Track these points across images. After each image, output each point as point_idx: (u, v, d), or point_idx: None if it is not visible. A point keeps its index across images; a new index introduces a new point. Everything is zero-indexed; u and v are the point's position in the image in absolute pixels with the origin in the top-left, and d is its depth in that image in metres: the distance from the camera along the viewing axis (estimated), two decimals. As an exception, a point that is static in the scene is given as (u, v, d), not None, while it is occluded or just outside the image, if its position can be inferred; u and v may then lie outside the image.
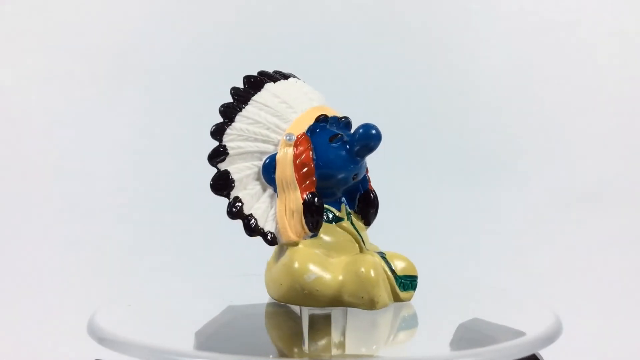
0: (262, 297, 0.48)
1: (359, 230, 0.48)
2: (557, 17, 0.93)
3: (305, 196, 0.45)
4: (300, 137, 0.46)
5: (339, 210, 0.48)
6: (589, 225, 0.90)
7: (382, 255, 0.46)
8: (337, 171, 0.46)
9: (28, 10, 0.91)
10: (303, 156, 0.46)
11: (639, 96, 0.92)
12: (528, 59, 0.92)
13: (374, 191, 0.49)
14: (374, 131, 0.45)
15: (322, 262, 0.44)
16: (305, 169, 0.46)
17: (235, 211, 0.47)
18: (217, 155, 0.49)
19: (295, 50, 0.91)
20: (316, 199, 0.45)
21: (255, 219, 0.47)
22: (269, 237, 0.46)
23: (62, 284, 0.88)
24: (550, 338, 0.40)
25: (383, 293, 0.44)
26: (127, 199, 0.90)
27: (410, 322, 0.46)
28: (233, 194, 0.48)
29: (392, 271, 0.46)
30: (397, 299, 0.46)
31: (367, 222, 0.49)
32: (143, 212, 0.90)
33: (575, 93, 0.92)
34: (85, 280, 0.88)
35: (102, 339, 0.39)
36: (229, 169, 0.48)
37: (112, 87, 0.91)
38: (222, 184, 0.48)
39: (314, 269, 0.44)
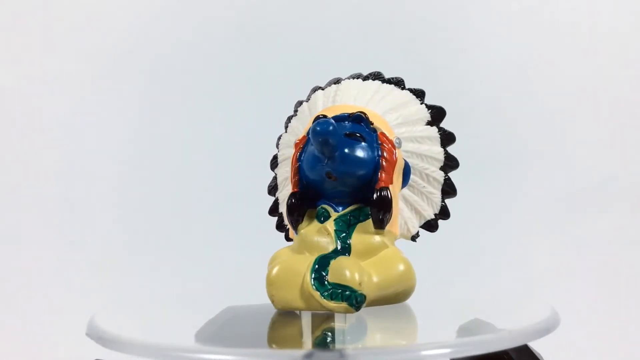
0: (262, 297, 0.48)
1: (354, 231, 0.46)
2: (558, 16, 0.93)
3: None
4: (300, 139, 0.49)
5: (339, 210, 0.47)
6: (589, 225, 0.90)
7: (327, 259, 0.44)
8: (310, 171, 0.47)
9: (28, 10, 0.91)
10: (294, 158, 0.48)
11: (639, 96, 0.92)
12: (529, 57, 0.92)
13: (382, 190, 0.46)
14: (319, 127, 0.43)
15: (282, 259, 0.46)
16: (293, 169, 0.48)
17: (271, 209, 0.54)
18: (272, 162, 0.55)
19: (294, 51, 0.91)
20: (292, 199, 0.47)
21: (282, 217, 0.52)
22: (287, 234, 0.52)
23: (61, 284, 0.88)
24: (541, 331, 0.40)
25: (280, 294, 0.44)
26: (127, 199, 0.90)
27: (409, 323, 0.46)
28: (277, 194, 0.54)
29: (322, 276, 0.43)
30: (317, 306, 0.43)
31: (375, 224, 0.46)
32: (143, 212, 0.90)
33: (576, 92, 0.92)
34: (85, 281, 0.88)
35: (102, 339, 0.39)
36: (277, 173, 0.54)
37: (112, 87, 0.91)
38: (271, 186, 0.55)
39: (272, 264, 0.46)
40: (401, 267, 0.45)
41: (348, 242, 0.45)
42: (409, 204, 0.51)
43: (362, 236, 0.46)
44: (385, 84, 0.52)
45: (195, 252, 0.89)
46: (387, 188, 0.46)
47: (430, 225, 0.52)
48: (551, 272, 0.89)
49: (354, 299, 0.42)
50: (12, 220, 0.90)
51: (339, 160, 0.45)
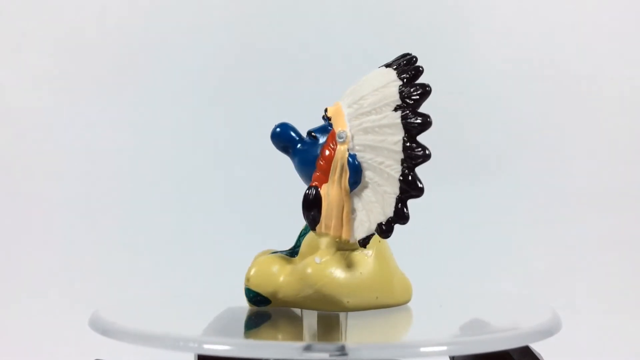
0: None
1: (309, 232, 0.47)
2: (558, 15, 0.93)
3: None
4: None
5: None
6: (589, 225, 0.90)
7: None
8: None
9: (28, 9, 0.91)
10: None
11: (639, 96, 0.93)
12: (529, 56, 0.92)
13: (307, 189, 0.45)
14: (277, 129, 0.46)
15: None
16: None
17: None
18: None
19: (294, 50, 0.91)
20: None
21: None
22: None
23: (61, 285, 0.88)
24: (543, 332, 0.40)
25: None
26: (127, 198, 0.90)
27: (409, 322, 0.46)
28: None
29: None
30: None
31: (309, 225, 0.46)
32: (143, 212, 0.90)
33: (575, 91, 0.92)
34: (84, 281, 0.88)
35: (106, 331, 0.40)
36: None
37: (112, 87, 0.91)
38: None
39: None
40: (307, 270, 0.44)
41: (301, 242, 0.47)
42: (365, 205, 0.44)
43: (310, 238, 0.47)
44: (387, 68, 0.46)
45: (195, 252, 0.89)
46: (313, 187, 0.45)
47: (382, 230, 0.43)
48: (551, 272, 0.89)
49: (247, 294, 0.47)
50: (12, 219, 0.90)
51: (293, 160, 0.47)
